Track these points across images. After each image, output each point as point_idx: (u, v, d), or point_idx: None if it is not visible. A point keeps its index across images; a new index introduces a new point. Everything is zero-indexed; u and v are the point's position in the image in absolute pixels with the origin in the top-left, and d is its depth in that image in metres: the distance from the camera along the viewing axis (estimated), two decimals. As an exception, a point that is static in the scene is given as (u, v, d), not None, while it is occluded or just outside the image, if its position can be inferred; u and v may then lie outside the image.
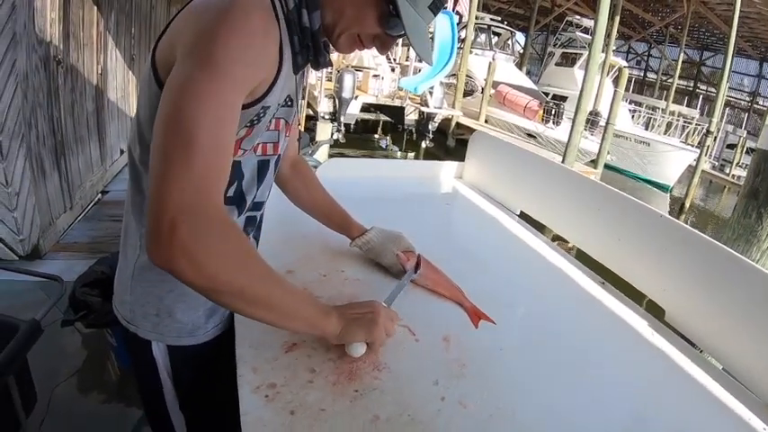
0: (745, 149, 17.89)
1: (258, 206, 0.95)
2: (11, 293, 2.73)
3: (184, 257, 0.59)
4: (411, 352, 0.87)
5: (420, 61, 13.12)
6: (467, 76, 14.03)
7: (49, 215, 3.37)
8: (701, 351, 1.08)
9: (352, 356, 0.81)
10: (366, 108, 11.39)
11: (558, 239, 1.61)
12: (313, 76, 9.87)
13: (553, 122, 12.78)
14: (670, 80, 21.00)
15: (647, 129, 15.13)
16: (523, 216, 1.72)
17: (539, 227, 1.62)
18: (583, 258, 1.44)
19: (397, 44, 13.34)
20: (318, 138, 9.42)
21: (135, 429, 2.04)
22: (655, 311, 1.19)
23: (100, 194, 4.40)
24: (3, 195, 2.87)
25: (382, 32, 0.80)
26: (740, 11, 12.34)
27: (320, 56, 0.82)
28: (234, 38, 0.64)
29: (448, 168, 2.06)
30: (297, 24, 0.76)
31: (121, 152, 5.13)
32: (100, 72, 4.29)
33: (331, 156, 8.51)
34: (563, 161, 8.53)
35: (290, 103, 0.85)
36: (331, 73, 10.55)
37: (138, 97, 0.80)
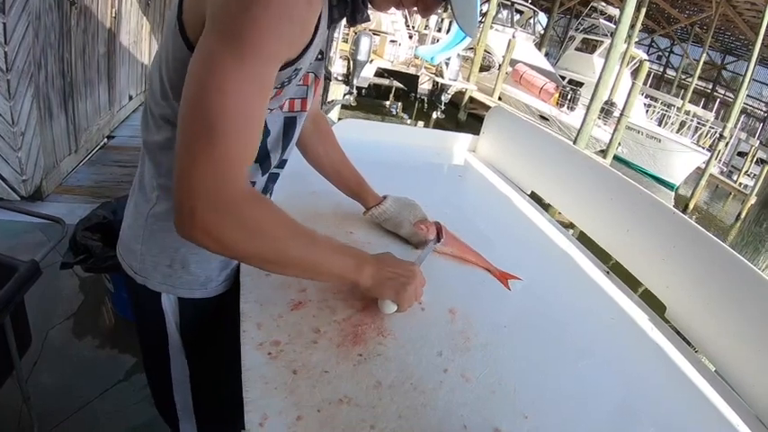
0: (755, 159, 17.75)
1: (283, 163, 0.92)
2: (11, 234, 2.73)
3: (206, 237, 0.62)
4: (416, 320, 0.87)
5: (439, 30, 12.94)
6: (485, 51, 13.86)
7: (54, 157, 3.34)
8: (696, 351, 1.08)
9: (383, 312, 0.83)
10: (380, 73, 11.27)
11: (567, 224, 1.60)
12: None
13: (568, 107, 12.68)
14: (689, 79, 20.71)
15: (660, 125, 14.96)
16: (534, 197, 1.70)
17: (549, 209, 1.60)
18: (587, 243, 1.43)
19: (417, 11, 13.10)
20: (330, 98, 9.32)
21: (127, 375, 2.06)
22: (656, 306, 1.19)
23: (106, 139, 4.36)
24: (8, 135, 2.83)
25: None
26: (769, 20, 12.05)
27: (358, 12, 0.77)
28: (270, 7, 0.58)
29: (462, 140, 2.02)
30: None
31: (130, 98, 5.07)
32: (113, 15, 4.20)
33: (340, 119, 8.41)
34: (573, 147, 8.47)
35: (320, 57, 0.81)
36: (347, 34, 10.39)
37: (162, 48, 0.74)
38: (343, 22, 0.82)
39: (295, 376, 0.67)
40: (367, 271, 0.79)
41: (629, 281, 1.28)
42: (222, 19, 0.59)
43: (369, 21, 0.85)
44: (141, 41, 5.26)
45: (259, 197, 0.67)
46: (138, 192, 0.86)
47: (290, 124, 0.85)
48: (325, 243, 0.77)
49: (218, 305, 0.93)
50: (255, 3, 0.57)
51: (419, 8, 0.80)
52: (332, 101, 8.16)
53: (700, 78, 21.92)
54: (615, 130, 10.57)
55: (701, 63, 19.49)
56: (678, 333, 1.12)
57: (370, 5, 0.80)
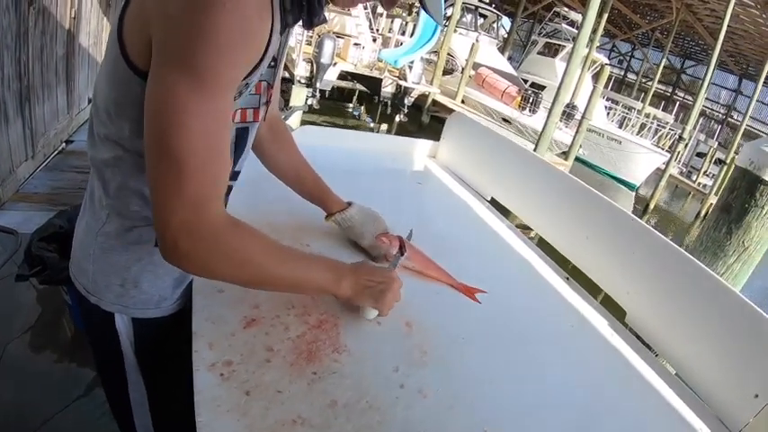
0: (713, 160, 18.41)
1: (236, 176, 0.89)
2: (-36, 244, 2.62)
3: (191, 266, 0.66)
4: (372, 335, 0.86)
5: (403, 34, 12.99)
6: (448, 54, 13.99)
7: (10, 163, 3.21)
8: (656, 355, 1.10)
9: (365, 318, 0.88)
10: (343, 76, 11.20)
11: (526, 229, 1.61)
12: (293, 38, 9.64)
13: (530, 110, 12.93)
14: (649, 83, 21.27)
15: (620, 127, 15.34)
16: (494, 203, 1.70)
17: (509, 215, 1.62)
18: (547, 250, 1.44)
19: (381, 14, 13.15)
20: (292, 102, 9.26)
21: (88, 390, 2.00)
22: (616, 312, 1.20)
23: (64, 144, 4.22)
24: (-40, 140, 2.73)
25: None
26: (728, 26, 12.47)
27: (314, 15, 0.75)
28: (222, 33, 0.56)
29: (422, 147, 2.01)
30: None
31: (89, 101, 4.93)
32: (73, 16, 4.08)
33: (303, 122, 8.37)
34: (535, 149, 8.63)
35: (273, 65, 0.78)
36: (311, 37, 10.34)
37: (105, 63, 0.71)
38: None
39: (248, 397, 0.66)
40: (345, 283, 0.82)
41: (588, 287, 1.29)
42: (174, 48, 0.58)
43: (326, 22, 0.84)
44: (101, 43, 5.12)
45: (237, 224, 0.68)
46: (89, 208, 0.83)
47: (241, 135, 0.82)
48: (304, 260, 0.81)
49: (173, 324, 0.90)
50: (207, 27, 0.55)
51: (383, 1, 0.78)
52: (291, 107, 8.10)
53: (660, 82, 22.60)
54: (577, 133, 10.79)
55: (662, 67, 20.02)
56: (638, 338, 1.14)
57: (331, 4, 0.77)
